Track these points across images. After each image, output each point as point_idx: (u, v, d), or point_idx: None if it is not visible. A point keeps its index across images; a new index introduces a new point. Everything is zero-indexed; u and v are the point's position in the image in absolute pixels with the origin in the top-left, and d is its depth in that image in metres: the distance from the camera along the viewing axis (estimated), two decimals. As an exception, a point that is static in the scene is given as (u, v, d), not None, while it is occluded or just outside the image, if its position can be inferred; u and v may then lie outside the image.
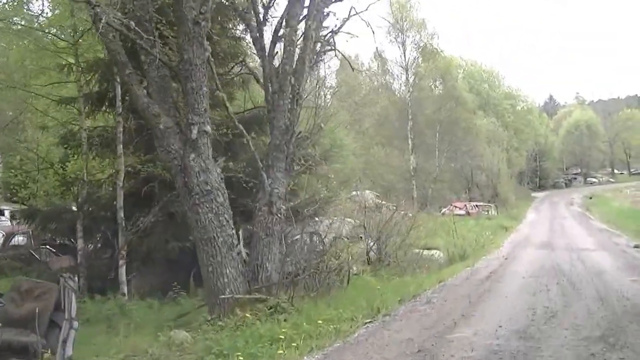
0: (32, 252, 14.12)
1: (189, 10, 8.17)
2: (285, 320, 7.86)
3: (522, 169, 63.76)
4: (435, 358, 6.21)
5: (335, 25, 10.04)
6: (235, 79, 12.16)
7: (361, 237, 15.96)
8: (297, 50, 9.57)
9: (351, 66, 15.20)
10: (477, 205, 41.31)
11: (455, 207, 38.79)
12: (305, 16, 9.66)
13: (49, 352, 5.79)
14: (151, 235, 11.22)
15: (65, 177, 14.01)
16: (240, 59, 12.08)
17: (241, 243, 9.15)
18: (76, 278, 10.19)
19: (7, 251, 14.65)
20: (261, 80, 9.63)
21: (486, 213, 39.73)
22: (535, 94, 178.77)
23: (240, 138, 9.61)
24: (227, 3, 11.11)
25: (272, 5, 10.01)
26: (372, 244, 15.54)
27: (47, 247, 14.15)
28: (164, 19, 9.19)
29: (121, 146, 11.64)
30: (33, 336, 5.77)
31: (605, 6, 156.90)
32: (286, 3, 9.65)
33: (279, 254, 9.27)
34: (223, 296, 8.37)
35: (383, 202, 31.57)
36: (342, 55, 11.06)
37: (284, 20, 9.67)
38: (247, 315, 7.88)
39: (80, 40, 12.41)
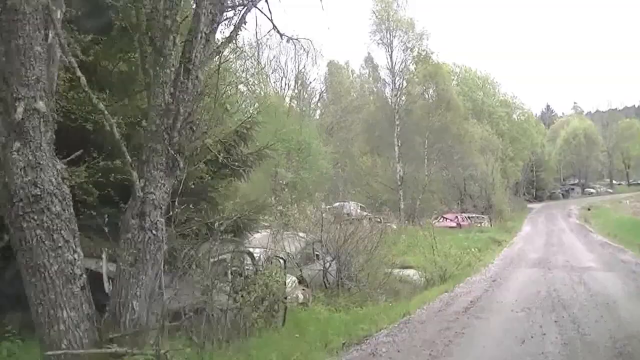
0: None
1: None
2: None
3: (518, 179, 61.38)
4: None
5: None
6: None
7: (317, 256, 13.18)
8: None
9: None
10: (469, 217, 39.61)
11: (446, 218, 36.72)
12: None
13: None
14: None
15: None
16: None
17: (104, 273, 6.42)
18: None
19: None
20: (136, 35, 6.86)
21: (479, 225, 37.78)
22: (532, 104, 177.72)
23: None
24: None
25: None
26: (328, 264, 12.79)
27: None
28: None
29: None
30: None
31: (602, 19, 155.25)
32: None
33: (157, 288, 6.47)
34: (52, 352, 5.56)
35: (365, 213, 29.17)
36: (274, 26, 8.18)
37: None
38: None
39: None
